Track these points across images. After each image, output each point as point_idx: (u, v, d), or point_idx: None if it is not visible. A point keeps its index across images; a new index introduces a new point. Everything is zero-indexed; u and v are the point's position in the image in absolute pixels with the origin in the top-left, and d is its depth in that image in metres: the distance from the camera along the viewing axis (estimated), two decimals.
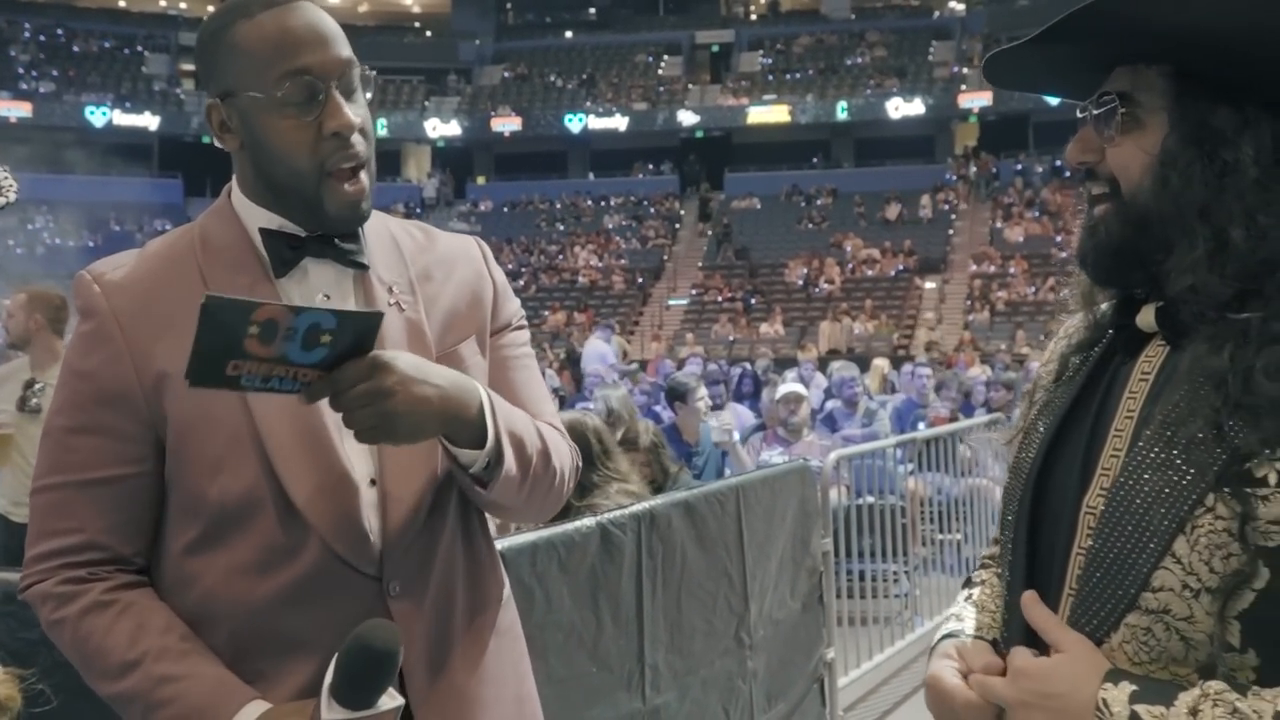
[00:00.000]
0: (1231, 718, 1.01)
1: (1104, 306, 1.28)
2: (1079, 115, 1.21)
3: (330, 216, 1.37)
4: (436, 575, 1.42)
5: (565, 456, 1.52)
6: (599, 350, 13.21)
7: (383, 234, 1.49)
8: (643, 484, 4.13)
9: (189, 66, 37.20)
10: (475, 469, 1.36)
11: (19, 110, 32.26)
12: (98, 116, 32.97)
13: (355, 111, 1.36)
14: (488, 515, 1.56)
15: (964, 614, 1.33)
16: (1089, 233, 1.21)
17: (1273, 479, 1.03)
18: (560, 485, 1.51)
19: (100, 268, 1.40)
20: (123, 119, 33.40)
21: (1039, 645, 1.14)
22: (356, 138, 1.35)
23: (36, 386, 4.38)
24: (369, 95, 1.41)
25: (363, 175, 1.37)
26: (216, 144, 1.44)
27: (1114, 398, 1.18)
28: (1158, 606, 1.06)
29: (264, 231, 1.39)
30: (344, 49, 1.36)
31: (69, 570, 1.34)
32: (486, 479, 1.37)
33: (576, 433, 3.41)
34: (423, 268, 1.50)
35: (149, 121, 33.77)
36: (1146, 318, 1.19)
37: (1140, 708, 1.03)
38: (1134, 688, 1.05)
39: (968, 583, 1.40)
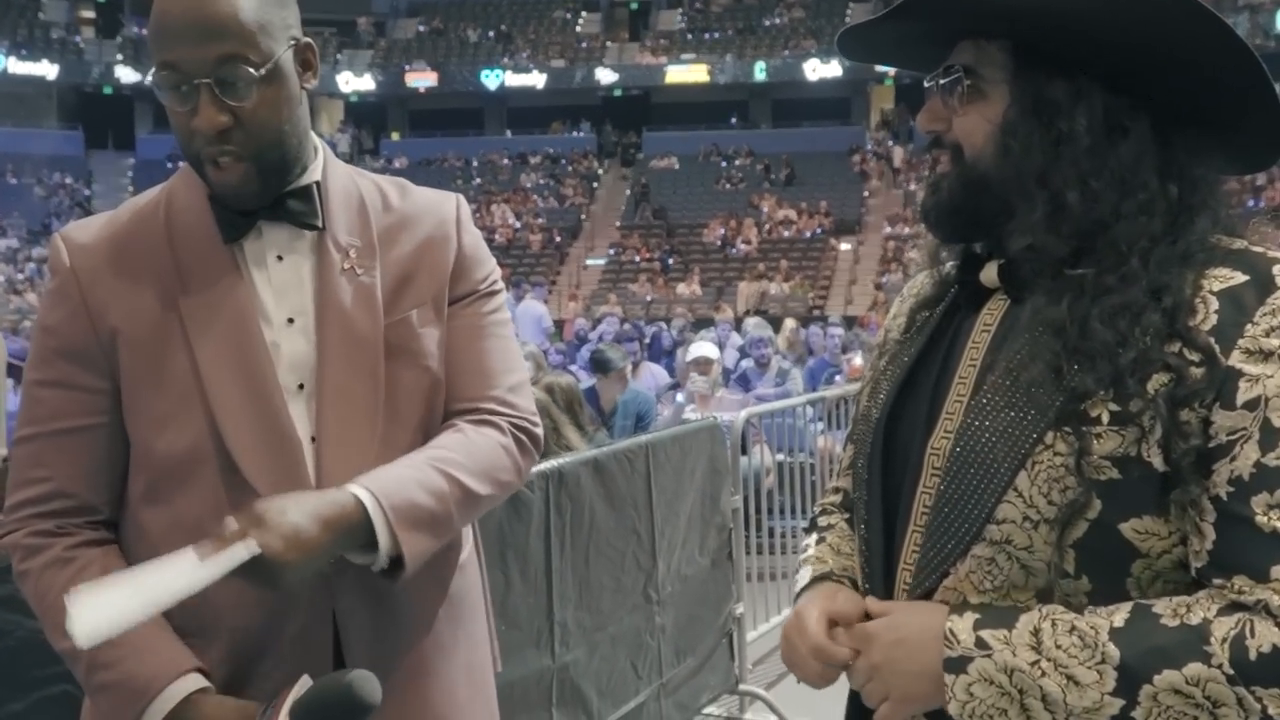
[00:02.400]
0: (1070, 635, 1.09)
1: (948, 266, 1.35)
2: (925, 86, 1.28)
3: (217, 190, 1.39)
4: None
5: (504, 466, 1.47)
6: (535, 312, 12.52)
7: (349, 192, 1.49)
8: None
9: (89, 14, 35.88)
10: (377, 568, 1.33)
11: None
12: None
13: (236, 105, 1.33)
14: None
15: (824, 556, 1.40)
16: (931, 190, 1.28)
17: (1105, 418, 1.11)
18: (507, 490, 1.50)
19: (70, 229, 1.46)
20: (18, 67, 32.08)
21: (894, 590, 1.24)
22: (228, 135, 1.34)
23: None
24: (307, 84, 1.41)
25: (243, 164, 1.35)
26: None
27: (958, 348, 1.26)
28: (1001, 538, 1.14)
29: (213, 199, 1.41)
30: (221, 45, 1.31)
31: (39, 521, 1.39)
32: (394, 572, 1.34)
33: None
34: (386, 228, 1.49)
35: (47, 70, 32.48)
36: (989, 274, 1.27)
37: (985, 633, 1.12)
38: (977, 616, 1.14)
39: (813, 526, 1.47)
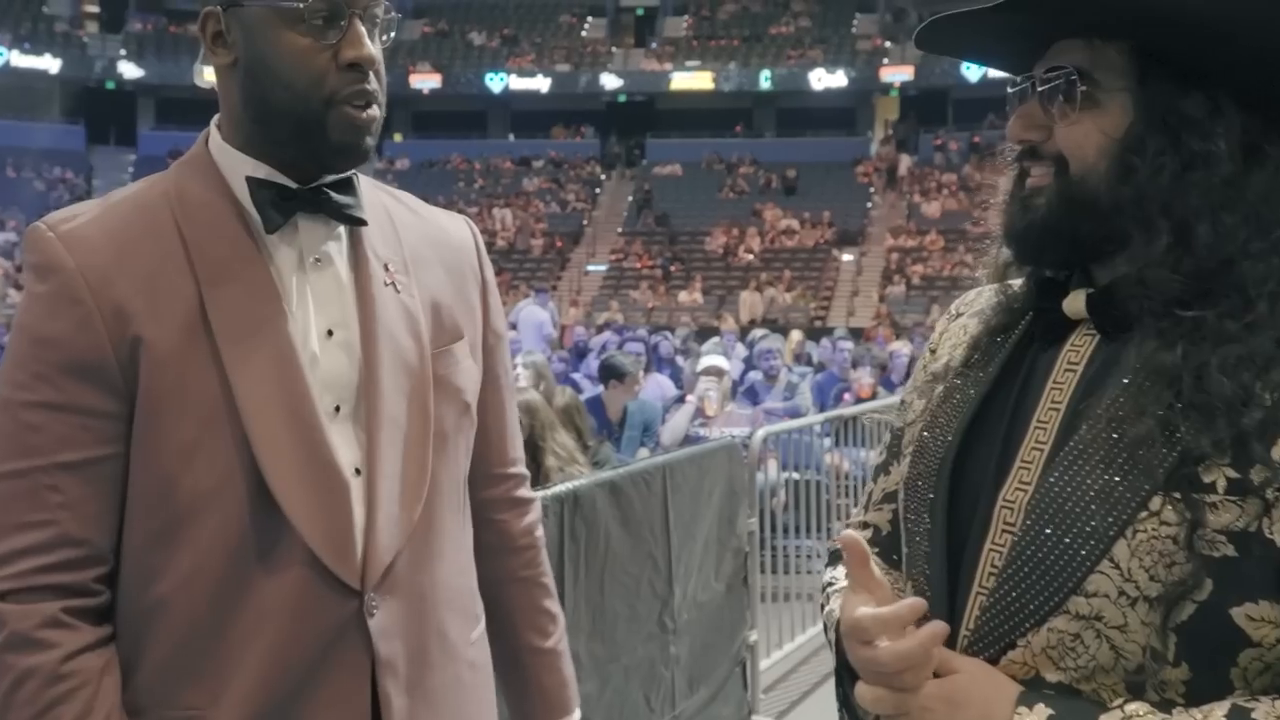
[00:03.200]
0: None
1: (1016, 287, 1.20)
2: (1011, 90, 1.13)
3: (330, 145, 1.21)
4: (421, 595, 1.26)
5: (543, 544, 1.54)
6: (537, 318, 12.29)
7: (376, 203, 1.33)
8: (588, 463, 3.98)
9: (92, 8, 35.74)
10: None
11: None
12: None
13: (375, 47, 1.23)
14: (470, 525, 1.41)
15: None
16: (1022, 205, 1.12)
17: (1221, 484, 0.97)
18: None
19: (57, 219, 1.21)
20: (21, 60, 31.89)
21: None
22: (373, 76, 1.22)
23: None
24: (388, 39, 1.27)
25: (375, 108, 1.23)
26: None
27: (1035, 387, 1.12)
28: (1090, 612, 1.00)
29: (252, 181, 1.22)
30: None
31: (41, 580, 1.14)
32: None
33: (523, 413, 3.30)
34: (414, 247, 1.34)
35: (49, 64, 32.30)
36: (1075, 304, 1.11)
37: None
38: (1050, 711, 0.99)
39: (836, 559, 1.30)
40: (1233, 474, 0.96)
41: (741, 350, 11.38)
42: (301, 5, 1.17)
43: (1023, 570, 1.02)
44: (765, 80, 33.36)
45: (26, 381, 1.17)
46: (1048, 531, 1.02)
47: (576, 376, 9.40)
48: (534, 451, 3.57)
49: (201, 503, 1.16)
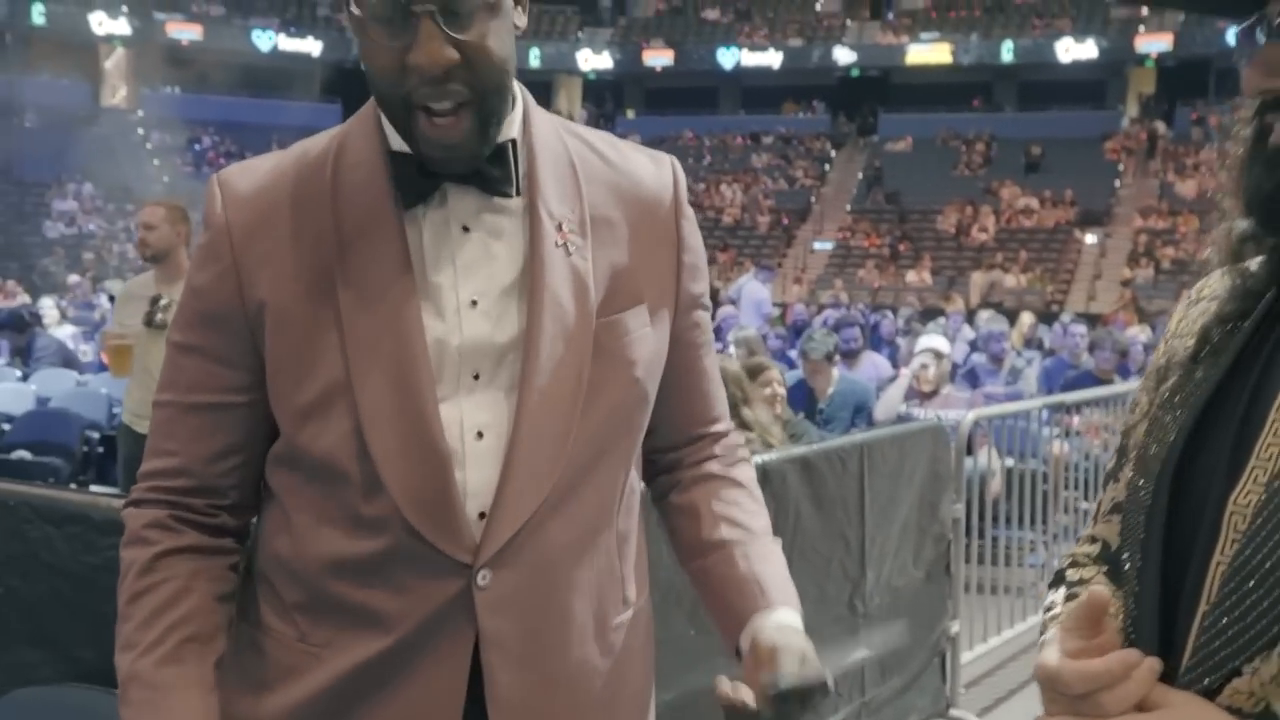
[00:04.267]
0: None
1: (1254, 267, 1.03)
2: (1247, 33, 0.97)
3: (424, 155, 1.18)
4: (546, 570, 1.22)
5: (759, 493, 1.45)
6: (757, 295, 12.05)
7: (558, 152, 1.27)
8: (783, 435, 3.93)
9: None
10: None
11: (190, 33, 33.38)
12: (264, 40, 33.86)
13: (463, 40, 1.13)
14: (635, 498, 1.35)
15: None
16: (1266, 165, 0.95)
17: None
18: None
19: (230, 174, 1.26)
20: (287, 44, 34.23)
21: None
22: (454, 73, 1.13)
23: (163, 302, 4.40)
24: (519, 22, 1.20)
25: (465, 117, 1.15)
26: None
27: (1274, 378, 0.96)
28: None
29: (394, 155, 1.21)
30: None
31: (159, 499, 1.26)
32: None
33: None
34: (598, 203, 1.27)
35: (312, 47, 34.53)
36: None
37: None
38: None
39: (1059, 579, 1.15)
40: None
41: (968, 332, 10.96)
42: (364, 11, 1.13)
43: (1248, 584, 0.89)
44: (1007, 52, 31.91)
45: (180, 324, 1.27)
46: (1277, 539, 0.88)
47: (793, 354, 9.30)
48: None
49: (317, 465, 1.20)
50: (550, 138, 1.27)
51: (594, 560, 1.27)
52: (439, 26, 1.12)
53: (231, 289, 1.21)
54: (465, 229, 1.22)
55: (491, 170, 1.21)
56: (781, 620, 1.27)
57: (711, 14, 35.79)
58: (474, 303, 1.21)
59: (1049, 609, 1.14)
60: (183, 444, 1.26)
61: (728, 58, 34.30)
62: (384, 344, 1.18)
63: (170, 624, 1.21)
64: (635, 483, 1.35)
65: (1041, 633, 1.12)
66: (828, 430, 5.49)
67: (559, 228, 1.23)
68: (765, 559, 1.33)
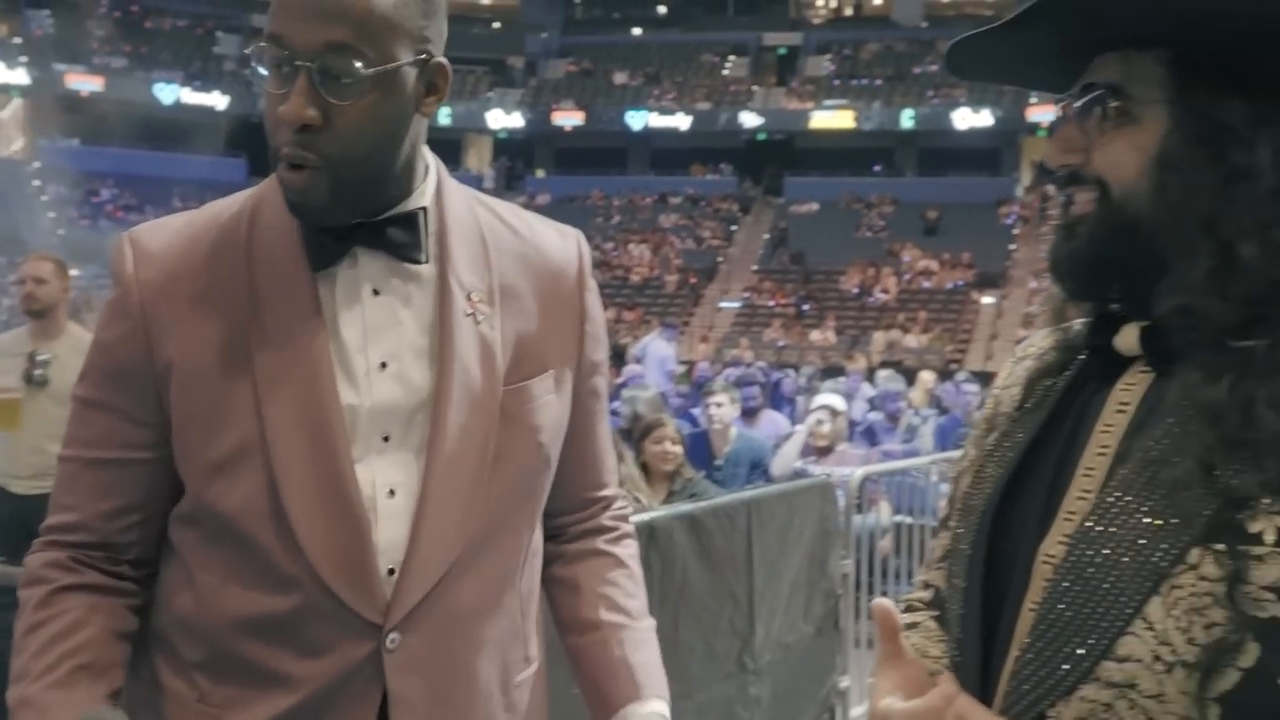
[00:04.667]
0: None
1: (1077, 324, 1.10)
2: (1057, 111, 1.05)
3: (290, 205, 1.20)
4: (453, 632, 1.24)
5: (638, 557, 1.51)
6: (661, 353, 12.24)
7: (469, 223, 1.30)
8: (651, 491, 3.95)
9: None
10: None
11: (91, 84, 32.74)
12: (167, 93, 33.38)
13: (325, 104, 1.14)
14: (537, 559, 1.39)
15: None
16: (1065, 234, 1.03)
17: (1270, 536, 0.87)
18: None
19: (141, 232, 1.27)
20: (191, 97, 33.78)
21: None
22: (318, 136, 1.14)
23: (40, 358, 4.28)
24: (427, 110, 1.21)
25: (310, 174, 1.16)
26: None
27: (1085, 430, 1.02)
28: (1122, 679, 0.90)
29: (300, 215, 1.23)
30: (337, 29, 1.12)
31: (59, 550, 1.26)
32: None
33: None
34: (507, 273, 1.30)
35: (217, 101, 34.12)
36: (1128, 340, 1.02)
37: None
38: None
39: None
40: None
41: (867, 390, 11.16)
42: (258, 54, 1.16)
43: (1050, 633, 0.94)
44: (907, 119, 32.93)
45: (85, 378, 1.27)
46: (1076, 589, 0.93)
47: (695, 412, 9.38)
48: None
49: (227, 521, 1.20)
50: (462, 209, 1.30)
51: (499, 620, 1.29)
52: (312, 85, 1.14)
53: (139, 346, 1.22)
54: (375, 291, 1.24)
55: (400, 236, 1.23)
56: (651, 711, 1.33)
57: (621, 77, 36.32)
58: (383, 365, 1.23)
59: None
60: (82, 499, 1.26)
61: (636, 119, 34.79)
62: (299, 403, 1.19)
63: (64, 652, 1.20)
64: (538, 543, 1.38)
65: (873, 675, 1.16)
66: (723, 487, 5.54)
67: (469, 297, 1.26)
68: (640, 647, 1.38)
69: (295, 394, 1.19)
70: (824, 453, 6.28)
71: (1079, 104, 1.02)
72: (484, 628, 1.27)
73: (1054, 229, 1.07)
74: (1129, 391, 1.01)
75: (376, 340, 1.23)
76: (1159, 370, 1.00)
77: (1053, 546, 0.98)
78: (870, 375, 12.24)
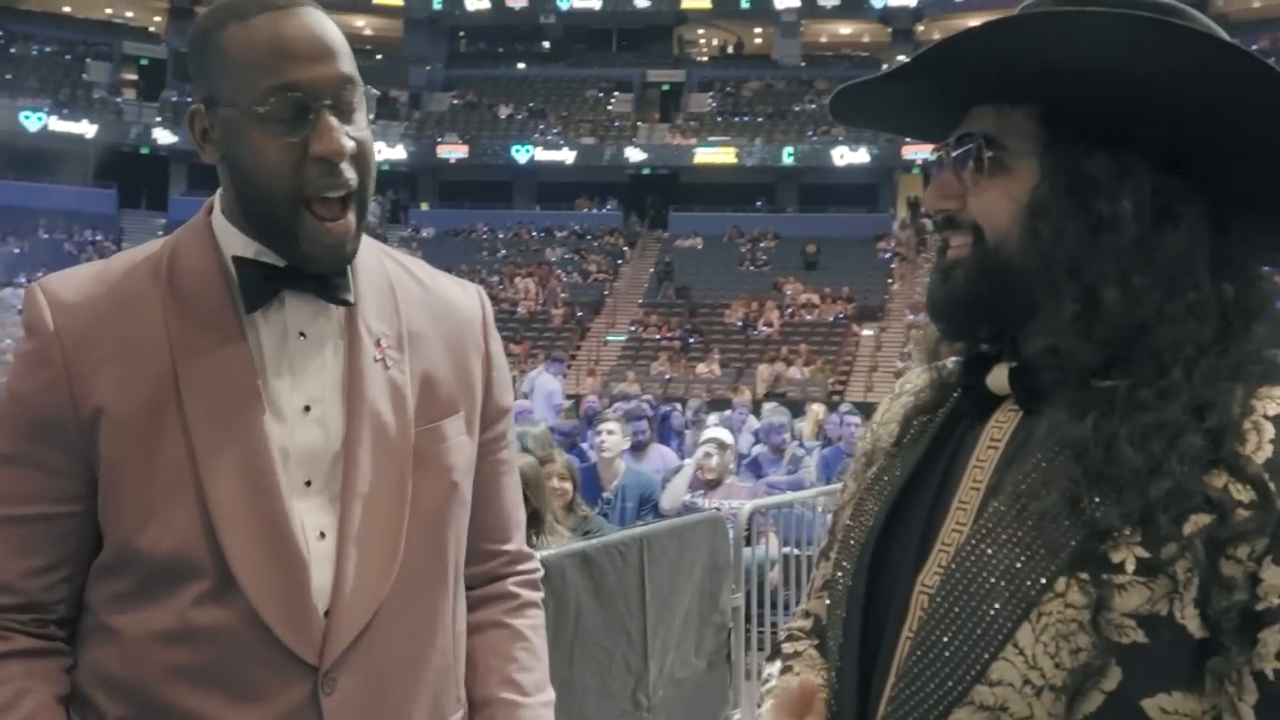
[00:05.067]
0: None
1: (950, 363, 1.16)
2: (933, 158, 1.11)
3: (304, 254, 1.22)
4: (385, 675, 1.24)
5: (541, 625, 1.48)
6: (548, 388, 12.26)
7: (377, 273, 1.33)
8: (567, 530, 3.95)
9: (131, 76, 36.57)
10: None
11: None
12: (33, 121, 32.16)
13: (351, 134, 1.21)
14: (461, 605, 1.39)
15: (790, 687, 1.17)
16: (941, 277, 1.09)
17: (1130, 565, 0.91)
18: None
19: (54, 283, 1.25)
20: (59, 125, 32.59)
21: None
22: (346, 165, 1.20)
23: None
24: (371, 116, 1.26)
25: (349, 212, 1.21)
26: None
27: (959, 466, 1.07)
28: (994, 703, 0.94)
29: (238, 260, 1.24)
30: (344, 64, 1.21)
31: None
32: None
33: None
34: (414, 321, 1.33)
35: (86, 129, 32.99)
36: (999, 379, 1.08)
37: None
38: None
39: (777, 653, 1.25)
40: (1143, 553, 0.92)
41: (754, 423, 11.31)
42: (263, 110, 1.17)
43: (926, 658, 0.98)
44: (788, 156, 33.65)
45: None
46: (951, 615, 0.97)
47: (585, 446, 9.37)
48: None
49: (160, 567, 1.18)
50: (370, 258, 1.32)
51: (433, 660, 1.30)
52: (336, 119, 1.19)
53: (62, 396, 1.20)
54: (301, 335, 1.25)
55: (335, 278, 1.25)
56: None
57: (506, 111, 36.33)
58: (306, 408, 1.25)
59: (765, 681, 1.22)
60: (4, 559, 1.21)
61: (522, 153, 34.81)
62: (233, 446, 1.19)
63: None
64: (464, 583, 1.39)
65: (758, 705, 1.19)
66: (610, 522, 5.55)
67: (378, 343, 1.28)
68: None
69: (228, 437, 1.19)
70: (712, 486, 6.34)
71: (955, 153, 1.08)
72: (418, 668, 1.28)
73: (930, 271, 1.13)
74: (1000, 428, 1.07)
75: (301, 384, 1.25)
76: (1028, 408, 1.05)
77: (929, 577, 1.03)
78: (756, 408, 12.41)
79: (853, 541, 1.12)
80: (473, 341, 1.38)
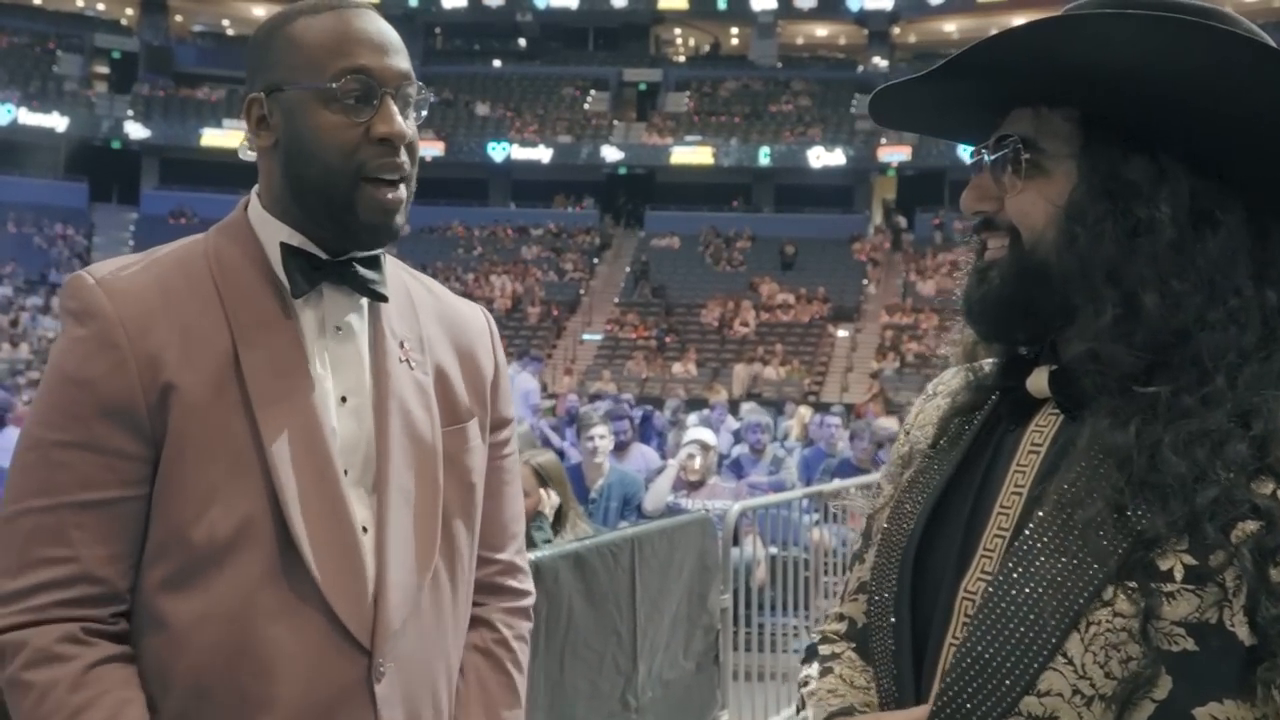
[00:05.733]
0: None
1: (987, 365, 1.15)
2: (972, 160, 1.10)
3: (359, 223, 1.27)
4: (423, 663, 1.28)
5: (527, 637, 1.49)
6: (526, 386, 12.28)
7: (398, 282, 1.40)
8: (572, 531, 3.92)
9: (103, 69, 36.19)
10: None
11: None
12: (2, 113, 31.77)
13: (407, 124, 1.29)
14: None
15: (838, 689, 1.17)
16: (978, 278, 1.08)
17: (1179, 573, 0.91)
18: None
19: (100, 269, 1.28)
20: (29, 118, 32.22)
21: None
22: (404, 151, 1.28)
23: None
24: (421, 115, 1.34)
25: (402, 188, 1.29)
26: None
27: (999, 470, 1.07)
28: (1043, 714, 0.93)
29: (285, 247, 1.29)
30: (405, 62, 1.31)
31: (62, 612, 1.18)
32: None
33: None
34: (430, 327, 1.40)
35: (57, 122, 32.62)
36: (1039, 382, 1.07)
37: None
38: None
39: (812, 655, 1.23)
40: (1190, 560, 0.91)
41: (732, 423, 11.32)
42: (335, 86, 1.24)
43: (973, 669, 0.97)
44: (764, 157, 33.72)
45: (59, 421, 1.21)
46: (998, 626, 0.96)
47: (565, 445, 9.35)
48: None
49: (218, 547, 1.19)
50: (392, 267, 1.41)
51: (456, 655, 1.36)
52: (399, 108, 1.28)
53: (131, 377, 1.21)
54: (338, 329, 1.30)
55: (369, 272, 1.31)
56: None
57: (482, 108, 36.22)
58: (344, 399, 1.29)
59: (804, 683, 1.20)
60: (79, 547, 1.19)
61: (498, 151, 34.71)
62: (294, 427, 1.23)
63: None
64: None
65: (800, 708, 1.18)
66: (594, 522, 5.53)
67: (401, 345, 1.33)
68: None
69: (289, 419, 1.23)
70: (695, 487, 6.33)
71: (993, 155, 1.07)
72: (446, 659, 1.33)
73: (968, 273, 1.12)
74: (1040, 433, 1.06)
75: (340, 375, 1.29)
76: (1068, 413, 1.04)
77: (973, 583, 1.02)
78: (733, 408, 12.42)
79: (893, 545, 1.11)
80: (484, 352, 1.44)
